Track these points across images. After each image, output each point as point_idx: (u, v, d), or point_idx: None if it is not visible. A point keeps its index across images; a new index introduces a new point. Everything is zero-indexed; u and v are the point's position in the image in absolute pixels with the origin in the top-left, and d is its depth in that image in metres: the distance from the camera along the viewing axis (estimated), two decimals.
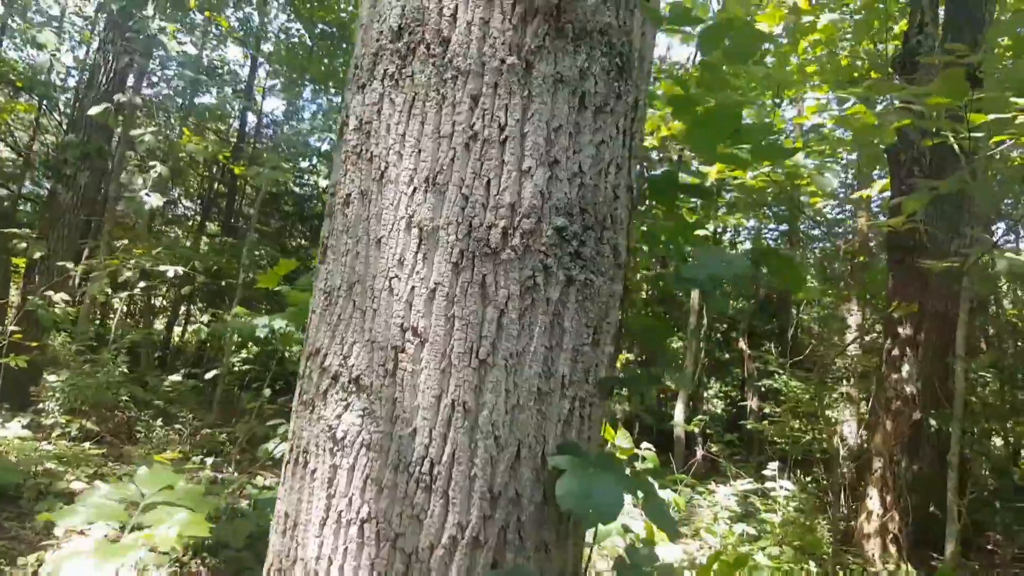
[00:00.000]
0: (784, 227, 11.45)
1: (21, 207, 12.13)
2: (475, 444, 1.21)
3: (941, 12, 5.72)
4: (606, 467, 1.22)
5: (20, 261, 7.41)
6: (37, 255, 6.49)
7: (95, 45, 10.95)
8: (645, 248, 1.61)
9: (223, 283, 10.89)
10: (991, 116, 2.89)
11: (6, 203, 10.32)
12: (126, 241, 6.85)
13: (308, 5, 12.10)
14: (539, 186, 1.26)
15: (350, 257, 1.36)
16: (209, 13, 10.72)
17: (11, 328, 5.65)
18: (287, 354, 6.80)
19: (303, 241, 14.53)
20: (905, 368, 5.17)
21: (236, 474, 5.07)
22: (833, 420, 8.47)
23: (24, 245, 6.63)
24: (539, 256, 1.25)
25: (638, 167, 1.47)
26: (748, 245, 12.92)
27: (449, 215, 1.26)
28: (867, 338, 8.12)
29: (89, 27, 12.62)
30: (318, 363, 1.37)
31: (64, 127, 11.77)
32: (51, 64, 9.32)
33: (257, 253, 10.94)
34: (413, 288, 1.26)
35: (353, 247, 1.36)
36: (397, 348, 1.25)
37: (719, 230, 10.70)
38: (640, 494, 1.29)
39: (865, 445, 5.93)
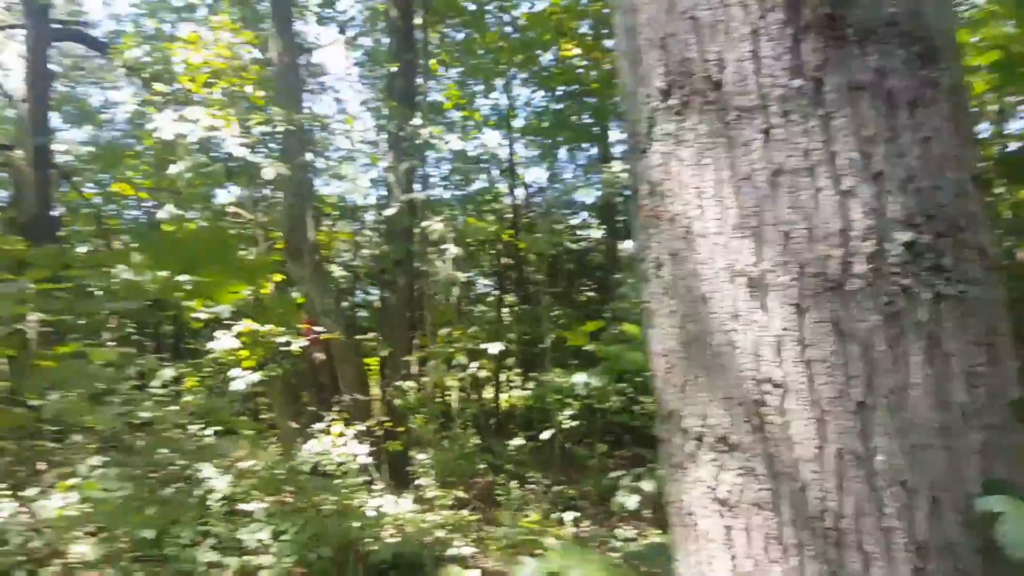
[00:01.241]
0: None
1: (359, 313, 14.48)
2: (879, 492, 1.10)
3: None
4: None
5: (373, 361, 8.76)
6: (384, 353, 7.68)
7: (382, 163, 12.84)
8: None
9: (535, 349, 11.71)
10: None
11: (347, 312, 12.36)
12: (448, 328, 7.78)
13: (545, 74, 12.81)
14: (868, 204, 1.14)
15: (678, 318, 1.35)
16: (466, 112, 11.91)
17: (382, 419, 6.68)
18: (608, 407, 7.06)
19: (590, 293, 15.09)
20: None
21: (597, 527, 5.32)
22: None
23: (373, 346, 7.88)
24: (892, 278, 1.13)
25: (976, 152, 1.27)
26: None
27: (773, 257, 1.20)
28: None
29: (375, 150, 14.84)
30: (676, 425, 1.37)
31: (374, 240, 13.88)
32: (352, 189, 11.13)
33: (553, 314, 11.64)
34: (756, 339, 1.21)
35: (679, 308, 1.35)
36: (757, 402, 1.20)
37: None
38: None
39: None
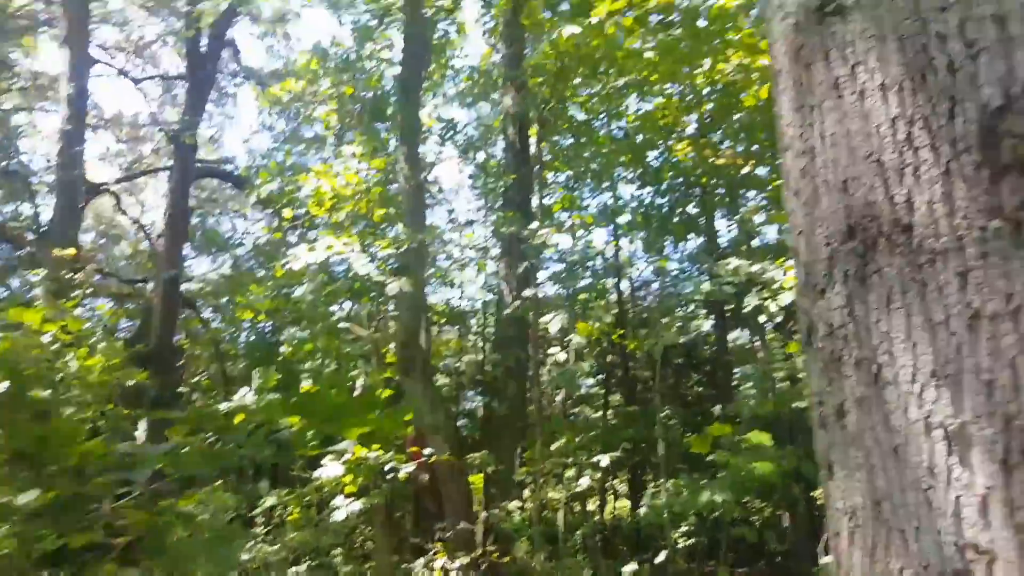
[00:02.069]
0: None
1: (459, 422, 14.43)
2: None
3: None
4: None
5: (477, 478, 8.54)
6: (490, 469, 7.47)
7: (490, 268, 13.23)
8: None
9: (638, 454, 11.30)
10: None
11: (454, 425, 12.32)
12: (562, 441, 7.59)
13: (651, 170, 13.05)
14: None
15: (865, 472, 1.28)
16: (577, 216, 12.21)
17: (488, 548, 6.40)
18: (729, 519, 6.61)
19: (699, 388, 14.60)
20: None
21: None
22: None
23: (478, 461, 7.69)
24: None
25: None
26: None
27: (975, 408, 1.13)
28: None
29: (484, 256, 15.33)
30: None
31: (481, 346, 14.07)
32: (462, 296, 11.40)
33: (663, 414, 11.27)
34: (957, 498, 1.13)
35: (865, 461, 1.29)
36: (959, 571, 1.11)
37: None
38: None
39: None
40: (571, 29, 7.05)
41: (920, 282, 1.24)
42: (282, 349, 10.05)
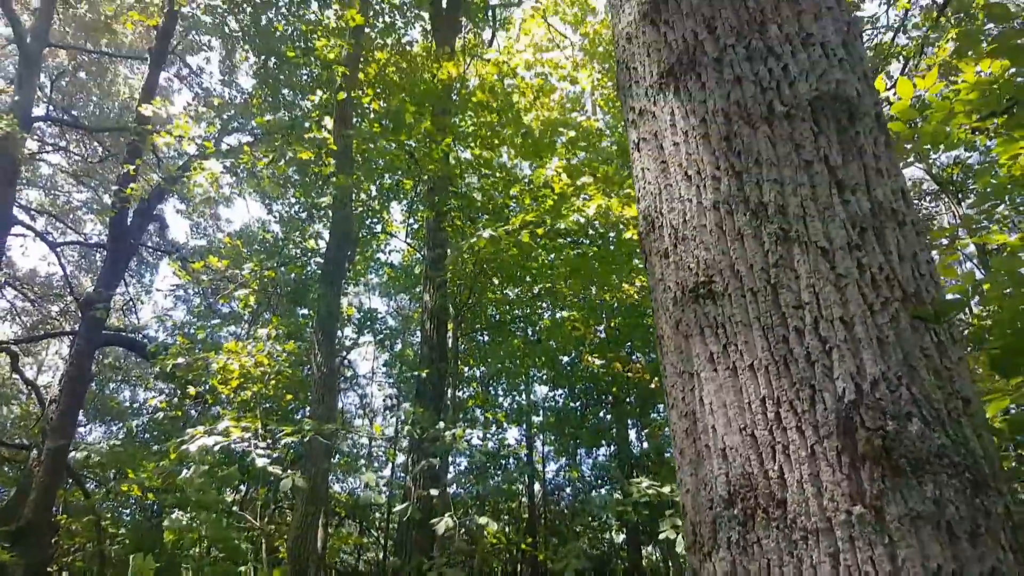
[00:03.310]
0: None
1: None
2: None
3: None
4: None
5: None
6: None
7: (400, 459, 12.77)
8: None
9: None
10: None
11: None
12: None
13: (562, 375, 13.42)
14: None
15: None
16: (489, 414, 12.19)
17: None
18: None
19: None
20: None
21: None
22: None
23: None
24: None
25: None
26: None
27: None
28: None
29: (392, 446, 14.91)
30: None
31: (383, 542, 13.23)
32: (376, 490, 10.91)
33: None
34: None
35: None
36: None
37: None
38: None
39: None
40: (488, 233, 7.53)
41: (796, 558, 1.29)
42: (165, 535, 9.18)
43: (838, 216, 1.49)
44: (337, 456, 12.66)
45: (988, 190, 4.87)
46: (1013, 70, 4.26)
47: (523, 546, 9.86)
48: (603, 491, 13.74)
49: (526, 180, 9.98)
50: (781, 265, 1.49)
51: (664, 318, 1.74)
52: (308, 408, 9.22)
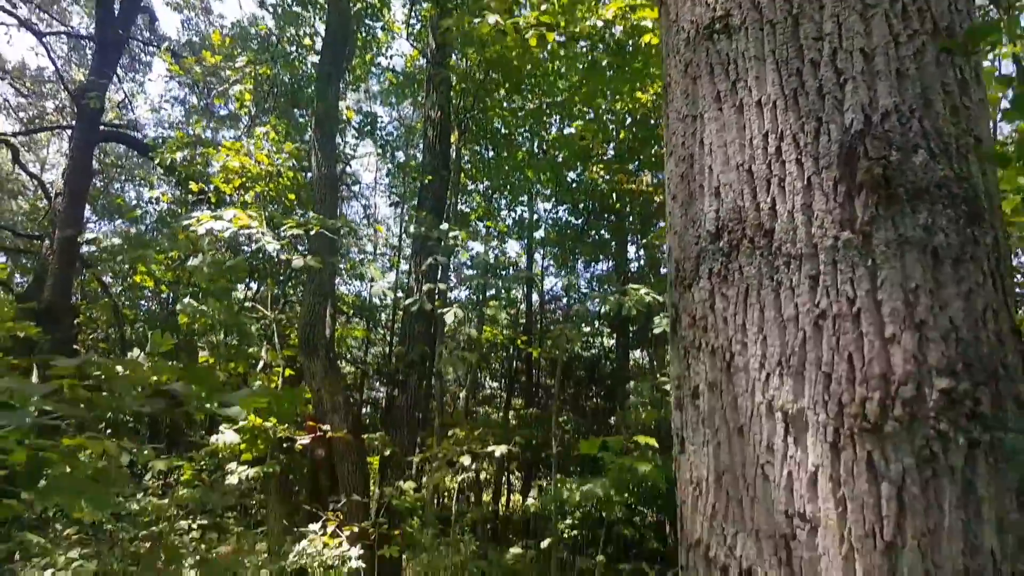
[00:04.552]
0: None
1: (364, 411, 14.38)
2: None
3: None
4: None
5: (374, 459, 8.63)
6: (387, 452, 7.60)
7: (403, 267, 13.15)
8: None
9: (534, 454, 11.53)
10: None
11: (354, 409, 12.28)
12: (456, 430, 7.73)
13: (569, 190, 13.39)
14: (910, 351, 1.22)
15: (712, 447, 1.40)
16: (490, 223, 12.32)
17: (378, 521, 6.52)
18: (615, 517, 6.87)
19: (598, 401, 15.03)
20: None
21: None
22: None
23: (377, 444, 7.81)
24: (930, 423, 1.18)
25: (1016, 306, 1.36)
26: None
27: (813, 395, 1.26)
28: None
29: (396, 254, 15.29)
30: (702, 555, 1.39)
31: (388, 339, 14.01)
32: (382, 293, 11.36)
33: (561, 419, 11.55)
34: (790, 473, 1.26)
35: (713, 438, 1.40)
36: (787, 536, 1.24)
37: None
38: None
39: None
40: (493, 19, 7.06)
41: (776, 282, 1.36)
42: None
43: None
44: (343, 262, 12.99)
45: None
46: None
47: (518, 342, 10.42)
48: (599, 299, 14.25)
49: None
50: None
51: (673, 63, 1.70)
52: (311, 210, 9.32)
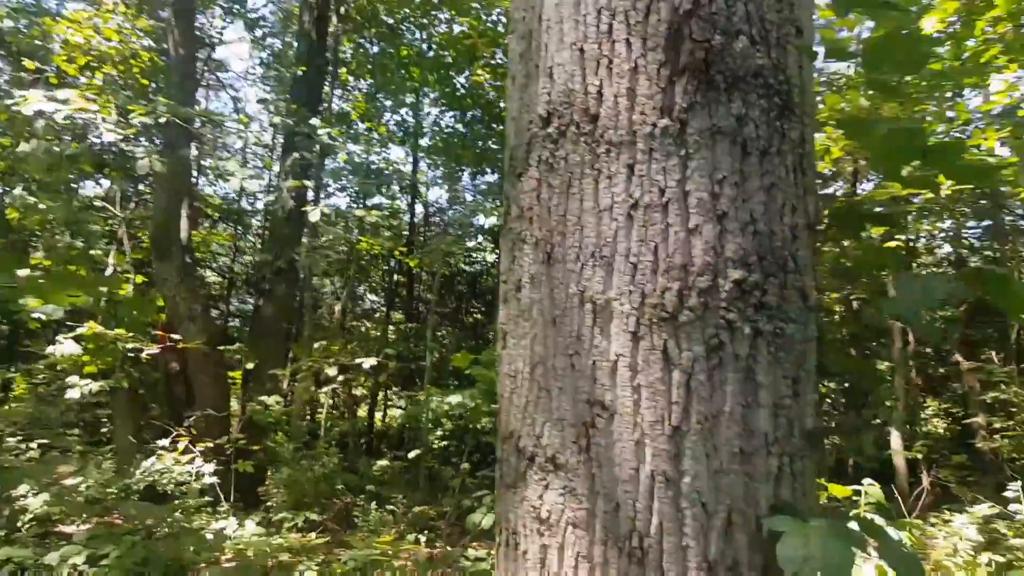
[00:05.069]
0: (987, 223, 10.26)
1: (231, 323, 13.79)
2: (682, 513, 1.17)
3: None
4: (828, 523, 1.14)
5: (236, 374, 8.30)
6: (249, 365, 7.30)
7: (276, 168, 12.43)
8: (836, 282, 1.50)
9: (413, 367, 11.58)
10: None
11: (218, 322, 11.74)
12: (324, 342, 7.54)
13: (457, 95, 12.96)
14: (710, 242, 1.22)
15: (529, 340, 1.38)
16: (370, 123, 11.77)
17: (236, 436, 6.33)
18: (479, 427, 7.05)
19: (479, 316, 15.20)
20: None
21: (449, 548, 5.26)
22: None
23: (238, 357, 7.48)
24: (720, 313, 1.20)
25: (815, 202, 1.39)
26: (947, 248, 11.70)
27: (620, 286, 1.25)
28: None
29: (269, 154, 14.39)
30: (513, 446, 1.40)
31: (259, 246, 13.36)
32: (240, 189, 10.67)
33: (439, 333, 11.60)
34: (594, 363, 1.26)
35: (530, 330, 1.38)
36: (587, 424, 1.25)
37: (913, 239, 9.77)
38: (871, 545, 1.18)
39: None
40: None
41: (596, 170, 1.32)
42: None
43: None
44: (206, 158, 12.09)
45: None
46: None
47: (396, 253, 10.24)
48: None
49: None
50: None
51: None
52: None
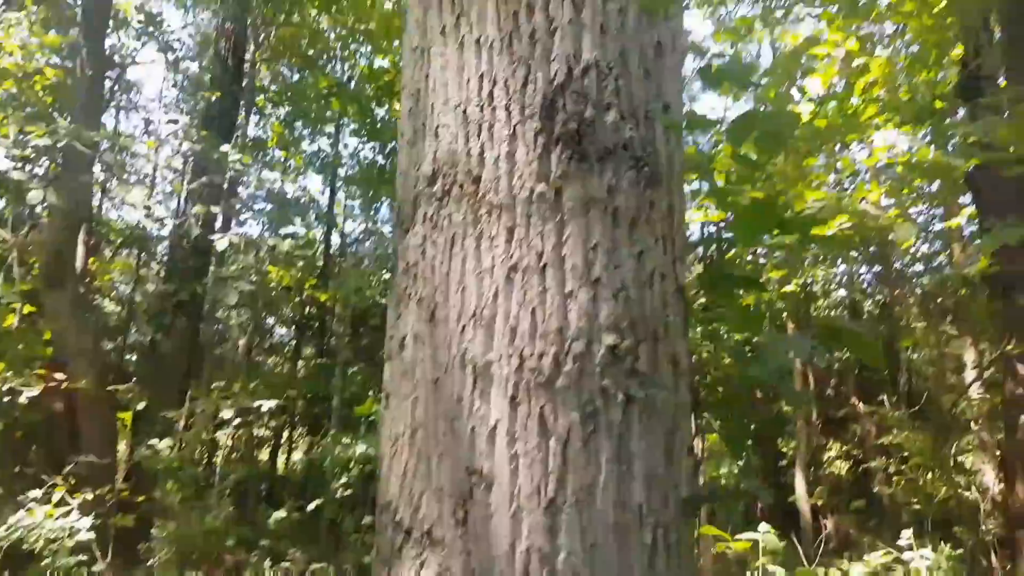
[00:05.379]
0: (877, 268, 10.97)
1: (127, 357, 13.00)
2: None
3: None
4: None
5: (126, 416, 7.72)
6: (141, 406, 6.80)
7: (184, 194, 11.95)
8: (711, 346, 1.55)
9: (323, 408, 11.20)
10: None
11: (112, 356, 11.05)
12: (222, 383, 7.16)
13: (376, 128, 12.86)
14: (584, 307, 1.24)
15: (410, 402, 1.36)
16: (286, 153, 11.55)
17: (120, 486, 5.84)
18: None
19: None
20: None
21: None
22: (969, 469, 7.76)
23: (129, 396, 6.96)
24: (595, 379, 1.22)
25: (684, 269, 1.44)
26: (842, 292, 12.39)
27: (499, 349, 1.25)
28: (987, 374, 7.49)
29: (180, 178, 13.84)
30: (390, 517, 1.34)
31: (161, 276, 12.73)
32: (145, 216, 10.17)
33: (351, 370, 11.28)
34: (474, 428, 1.24)
35: (412, 391, 1.36)
36: (465, 494, 1.22)
37: (808, 282, 10.30)
38: None
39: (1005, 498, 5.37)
40: None
41: (479, 231, 1.33)
42: None
43: None
44: (114, 181, 11.50)
45: None
46: None
47: (306, 287, 9.98)
48: None
49: None
50: None
51: None
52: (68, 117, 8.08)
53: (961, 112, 5.83)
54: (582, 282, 1.25)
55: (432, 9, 1.49)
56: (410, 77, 1.56)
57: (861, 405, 8.98)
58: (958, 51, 5.89)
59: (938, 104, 6.01)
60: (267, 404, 6.30)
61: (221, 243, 6.04)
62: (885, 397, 9.84)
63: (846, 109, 5.54)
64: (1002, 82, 5.46)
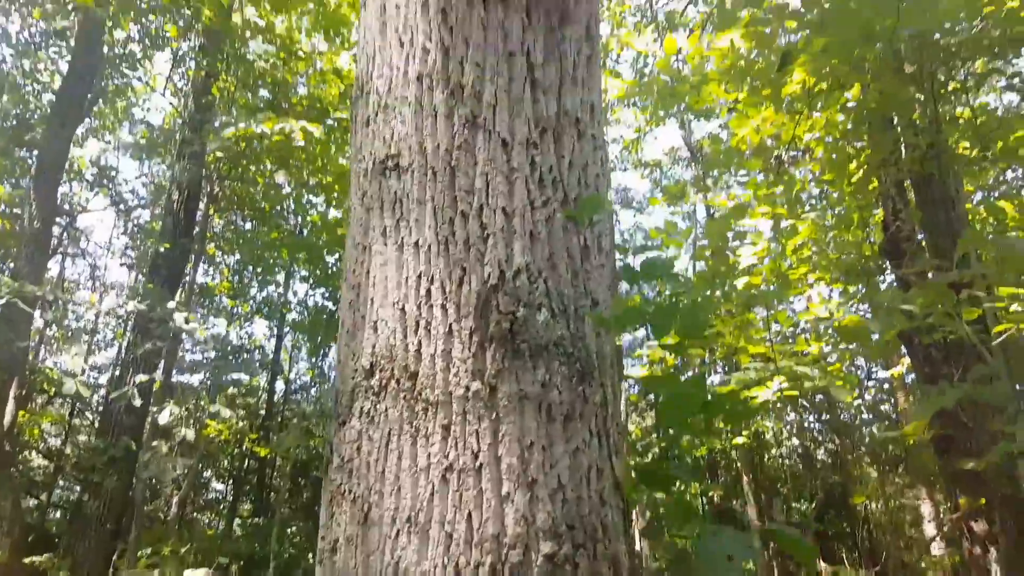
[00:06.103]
0: (826, 416, 11.18)
1: (51, 515, 12.06)
2: None
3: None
4: None
5: None
6: (61, 574, 6.25)
7: (126, 342, 11.66)
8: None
9: (260, 574, 10.43)
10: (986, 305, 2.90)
11: (35, 513, 10.26)
12: (154, 545, 6.66)
13: (327, 275, 13.01)
14: (520, 511, 1.22)
15: None
16: (232, 302, 11.50)
17: None
18: None
19: None
20: (993, 567, 4.67)
21: None
22: None
23: (45, 565, 6.42)
24: None
25: (622, 463, 1.44)
26: (795, 440, 12.49)
27: (434, 558, 1.21)
28: (946, 527, 7.48)
29: (121, 325, 13.53)
30: None
31: (95, 427, 12.10)
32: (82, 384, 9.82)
33: (290, 530, 10.65)
34: None
35: None
36: None
37: (761, 433, 10.40)
38: None
39: None
40: (261, 129, 6.86)
41: (415, 428, 1.32)
42: None
43: (525, 112, 1.52)
44: (54, 327, 11.22)
45: (720, 156, 5.43)
46: (756, 52, 4.75)
47: (247, 441, 9.59)
48: None
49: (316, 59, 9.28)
50: (464, 149, 1.49)
51: (354, 191, 1.69)
52: (13, 266, 8.00)
53: (889, 271, 6.23)
54: (518, 483, 1.24)
55: (374, 210, 1.56)
56: (351, 270, 1.60)
57: (823, 564, 8.79)
58: (881, 214, 6.37)
59: (868, 262, 6.42)
60: (197, 573, 5.82)
61: (162, 416, 5.83)
62: (844, 554, 9.67)
63: (779, 268, 5.87)
64: (922, 239, 5.90)
